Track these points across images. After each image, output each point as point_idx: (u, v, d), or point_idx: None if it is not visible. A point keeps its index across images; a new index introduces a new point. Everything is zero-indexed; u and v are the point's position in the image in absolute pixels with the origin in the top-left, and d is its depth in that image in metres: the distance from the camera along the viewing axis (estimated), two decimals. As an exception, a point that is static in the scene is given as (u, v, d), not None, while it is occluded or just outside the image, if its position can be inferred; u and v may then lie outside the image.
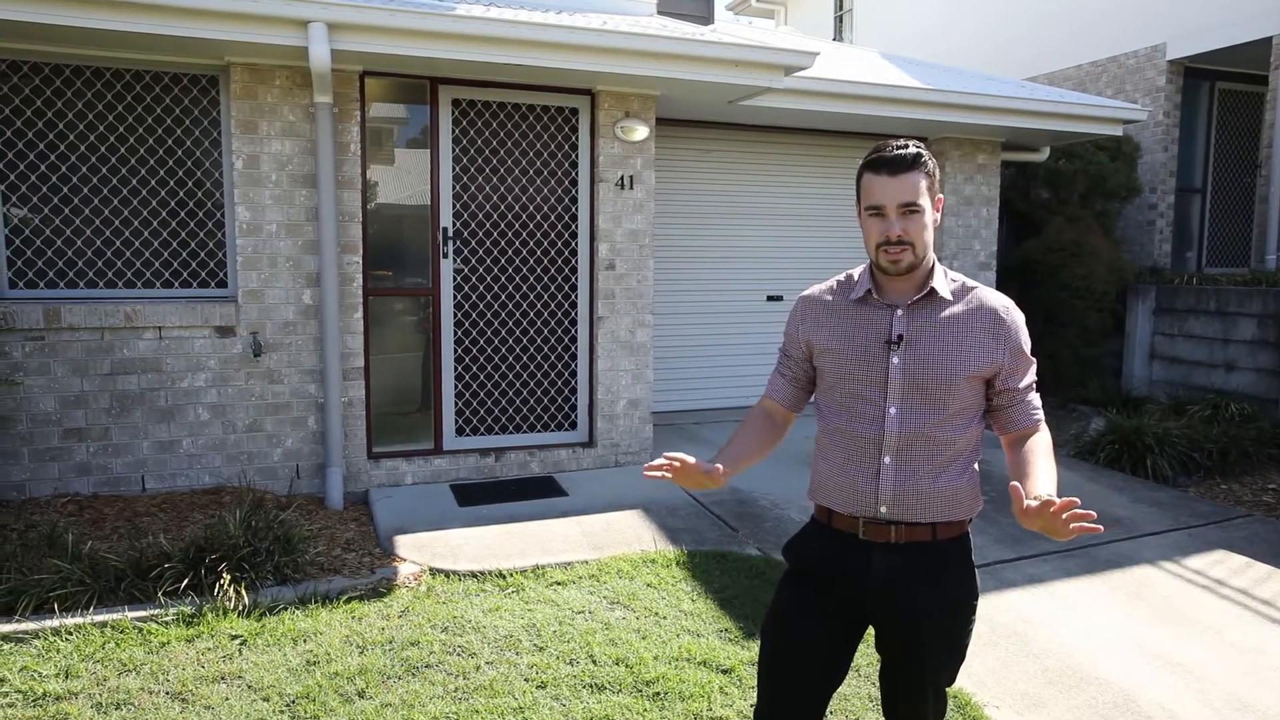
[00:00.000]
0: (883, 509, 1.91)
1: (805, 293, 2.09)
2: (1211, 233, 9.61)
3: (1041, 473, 1.83)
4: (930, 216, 1.89)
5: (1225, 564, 4.38)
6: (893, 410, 1.90)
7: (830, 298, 2.04)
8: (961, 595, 1.99)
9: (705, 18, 6.36)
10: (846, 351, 1.95)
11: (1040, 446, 1.91)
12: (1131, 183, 8.56)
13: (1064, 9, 10.11)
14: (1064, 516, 1.59)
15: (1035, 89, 7.61)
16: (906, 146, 1.87)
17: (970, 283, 1.98)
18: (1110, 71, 9.57)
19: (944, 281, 1.95)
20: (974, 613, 2.02)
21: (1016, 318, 1.95)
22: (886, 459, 1.91)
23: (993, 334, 1.91)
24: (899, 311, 1.92)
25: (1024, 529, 4.69)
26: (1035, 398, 1.98)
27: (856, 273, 2.03)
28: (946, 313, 1.92)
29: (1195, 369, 7.61)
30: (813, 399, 2.13)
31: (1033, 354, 2.00)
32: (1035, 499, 1.67)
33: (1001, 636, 3.56)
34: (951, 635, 2.00)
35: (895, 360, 1.90)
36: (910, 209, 1.85)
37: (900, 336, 1.90)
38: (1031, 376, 1.97)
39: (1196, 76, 9.19)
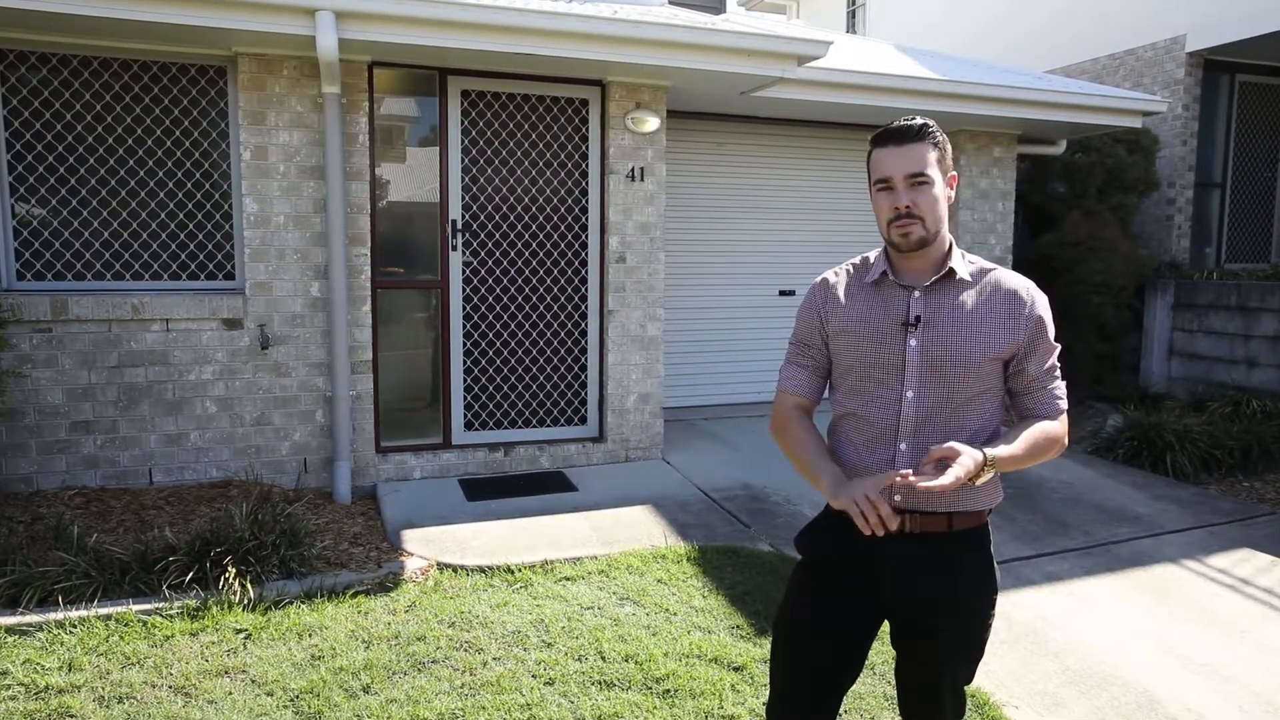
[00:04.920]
0: (896, 497, 1.84)
1: (820, 276, 2.02)
2: (1231, 228, 9.45)
3: (1012, 436, 1.80)
4: (942, 190, 1.82)
5: (1250, 563, 4.28)
6: (910, 394, 1.83)
7: (846, 280, 1.97)
8: (980, 590, 1.92)
9: (717, 8, 6.30)
10: (863, 333, 1.88)
11: (1036, 425, 1.84)
12: (1149, 176, 8.42)
13: (1080, 1, 9.97)
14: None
15: (1053, 80, 7.49)
16: (913, 119, 1.82)
17: (989, 265, 1.92)
18: (1128, 64, 9.42)
19: (962, 263, 1.88)
20: (993, 608, 1.95)
21: (1039, 298, 1.88)
22: (903, 445, 1.84)
23: (1013, 315, 1.84)
24: (916, 293, 1.86)
25: (1043, 527, 4.62)
26: (1059, 386, 1.91)
27: (872, 256, 1.96)
28: (965, 294, 1.86)
29: (1215, 365, 7.48)
30: None
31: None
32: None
33: (1020, 635, 3.48)
34: (969, 631, 1.93)
35: (913, 343, 1.83)
36: (918, 179, 1.79)
37: (918, 318, 1.83)
38: (1053, 361, 1.90)
39: (1216, 69, 9.03)
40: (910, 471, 1.67)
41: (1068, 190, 8.42)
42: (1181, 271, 8.44)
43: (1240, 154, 9.36)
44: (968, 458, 1.66)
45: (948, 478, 1.63)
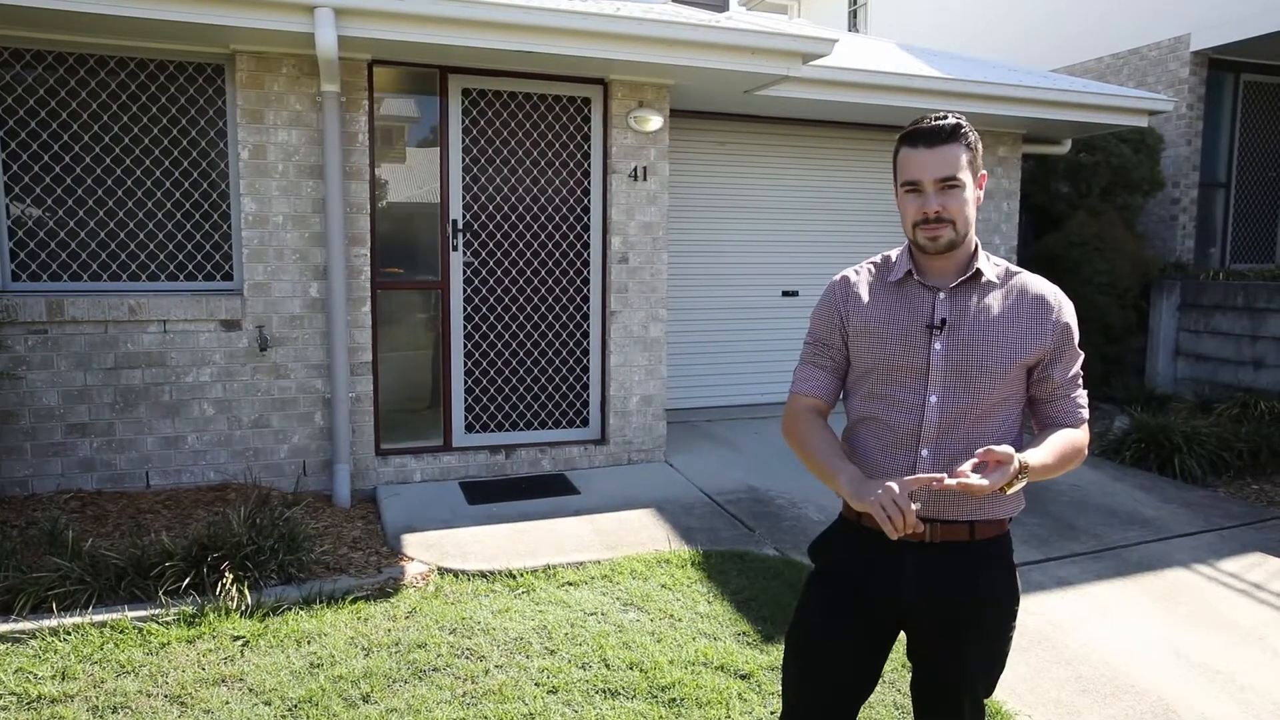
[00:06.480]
0: (917, 505, 1.77)
1: (840, 275, 1.95)
2: (1235, 228, 9.39)
3: (1040, 443, 1.75)
4: (971, 192, 1.77)
5: (1262, 567, 4.22)
6: (933, 399, 1.77)
7: (868, 279, 1.91)
8: (1002, 599, 1.87)
9: (720, 6, 6.25)
10: (887, 334, 1.82)
11: (1062, 432, 1.79)
12: (1154, 176, 8.37)
13: (1083, 0, 9.92)
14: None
15: (1059, 79, 7.44)
16: (946, 118, 1.75)
17: (1014, 268, 1.87)
18: (1131, 64, 9.37)
19: (988, 265, 1.82)
20: (1015, 618, 1.90)
21: (1065, 305, 1.83)
22: (924, 451, 1.78)
23: (1041, 321, 1.79)
24: (941, 294, 1.80)
25: (1051, 530, 4.56)
26: (1082, 395, 1.86)
27: (894, 254, 1.90)
28: (992, 297, 1.80)
29: (1222, 366, 7.42)
30: None
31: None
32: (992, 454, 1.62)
33: (1032, 641, 3.42)
34: (991, 642, 1.87)
35: (937, 346, 1.77)
36: (949, 184, 1.73)
37: (943, 321, 1.77)
38: (1077, 369, 1.84)
39: (1220, 68, 8.98)
40: (944, 476, 1.60)
41: (1072, 190, 8.36)
42: (1187, 272, 8.39)
43: (1245, 153, 9.31)
44: (1011, 464, 1.60)
45: (986, 480, 1.57)
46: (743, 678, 3.07)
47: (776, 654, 3.21)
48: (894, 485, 1.61)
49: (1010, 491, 1.66)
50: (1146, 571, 4.14)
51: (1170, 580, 4.05)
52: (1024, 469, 1.63)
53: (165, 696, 2.88)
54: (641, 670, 3.10)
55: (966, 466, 1.61)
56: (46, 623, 3.24)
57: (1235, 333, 7.31)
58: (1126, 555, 4.33)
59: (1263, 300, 7.06)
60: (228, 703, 2.86)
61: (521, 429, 5.55)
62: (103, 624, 3.27)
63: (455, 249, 5.26)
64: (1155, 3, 9.09)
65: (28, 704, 2.81)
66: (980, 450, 1.61)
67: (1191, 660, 3.31)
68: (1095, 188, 8.20)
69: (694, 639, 3.33)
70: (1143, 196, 8.51)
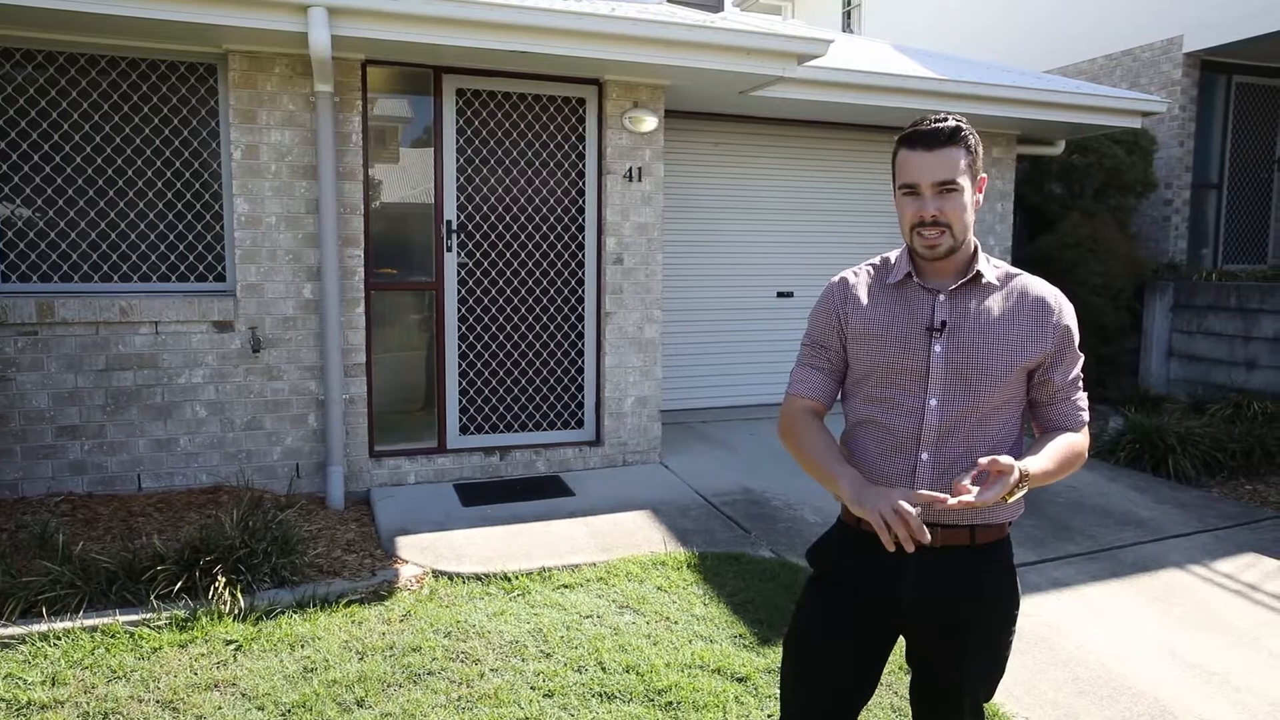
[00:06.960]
0: (917, 510, 1.76)
1: (839, 276, 1.94)
2: (1228, 229, 9.43)
3: (1039, 449, 1.73)
4: (970, 196, 1.75)
5: (1257, 567, 4.22)
6: (933, 402, 1.75)
7: (867, 281, 1.89)
8: (1002, 603, 1.86)
9: (715, 6, 6.24)
10: (886, 337, 1.80)
11: (1062, 437, 1.78)
12: (1148, 177, 8.39)
13: (1076, 2, 9.95)
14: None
15: (1054, 80, 7.45)
16: (945, 119, 1.72)
17: (1015, 270, 1.85)
18: (1125, 65, 9.40)
19: (988, 266, 1.81)
20: (1015, 621, 1.90)
21: (1066, 307, 1.82)
22: (924, 455, 1.77)
23: (1041, 323, 1.77)
24: (941, 296, 1.78)
25: (1047, 531, 4.56)
26: (1082, 398, 1.85)
27: (893, 256, 1.88)
28: (992, 299, 1.79)
29: (1215, 367, 7.44)
30: None
31: None
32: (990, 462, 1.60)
33: (1029, 643, 3.42)
34: (992, 646, 1.87)
35: (937, 349, 1.76)
36: (947, 187, 1.71)
37: (943, 323, 1.76)
38: (1078, 372, 1.83)
39: (1213, 70, 9.02)
40: (947, 497, 1.57)
41: (1065, 191, 8.38)
42: (1180, 273, 8.41)
43: (1237, 155, 9.35)
44: (1012, 474, 1.58)
45: (987, 494, 1.56)
46: (739, 680, 3.06)
47: (773, 657, 3.20)
48: (896, 494, 1.59)
49: (1011, 500, 1.64)
50: (1142, 572, 4.14)
51: (1165, 581, 4.05)
52: (1025, 477, 1.61)
53: (157, 702, 2.85)
54: (638, 673, 3.08)
55: (966, 480, 1.59)
56: (36, 627, 3.21)
57: (1228, 333, 7.33)
58: (1122, 556, 4.33)
59: (1255, 301, 7.09)
60: (220, 708, 2.83)
61: (516, 431, 5.53)
62: (93, 628, 3.24)
63: (449, 250, 5.24)
64: (1151, 4, 9.11)
65: (17, 710, 2.78)
66: (984, 460, 1.58)
67: (1188, 661, 3.31)
68: (1089, 189, 8.22)
69: (690, 642, 3.32)
70: (1136, 198, 8.53)
